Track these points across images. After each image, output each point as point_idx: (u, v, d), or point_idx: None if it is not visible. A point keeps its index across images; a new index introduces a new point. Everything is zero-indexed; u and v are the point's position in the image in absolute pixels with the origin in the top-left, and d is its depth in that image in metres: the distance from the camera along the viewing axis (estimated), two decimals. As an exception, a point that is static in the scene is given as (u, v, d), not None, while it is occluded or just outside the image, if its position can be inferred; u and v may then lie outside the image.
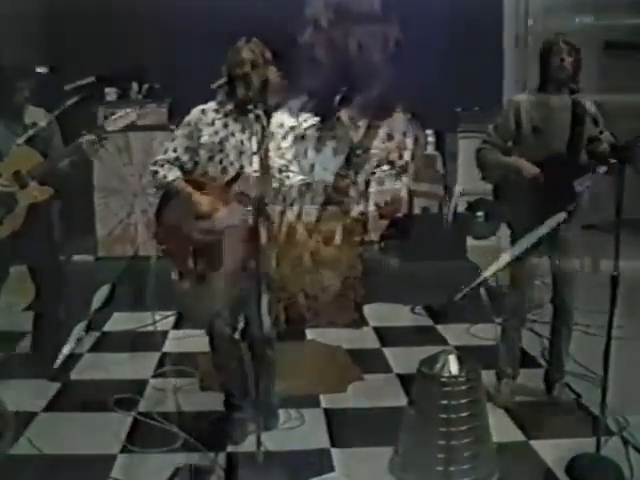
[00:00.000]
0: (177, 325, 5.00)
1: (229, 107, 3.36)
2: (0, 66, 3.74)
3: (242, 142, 3.33)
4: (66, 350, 3.40)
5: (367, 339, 4.80)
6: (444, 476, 2.93)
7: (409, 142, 2.96)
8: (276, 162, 3.26)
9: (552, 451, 3.21)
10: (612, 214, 2.86)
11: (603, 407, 2.97)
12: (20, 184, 3.72)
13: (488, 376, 3.58)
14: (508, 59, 6.52)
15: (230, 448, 3.27)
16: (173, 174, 3.38)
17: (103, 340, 4.73)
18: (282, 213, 2.24)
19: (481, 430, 3.02)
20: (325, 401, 3.80)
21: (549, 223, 2.72)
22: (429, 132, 6.38)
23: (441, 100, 5.95)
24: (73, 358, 3.98)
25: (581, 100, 3.43)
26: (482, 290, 5.07)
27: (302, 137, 2.34)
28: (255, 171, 2.92)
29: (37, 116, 3.85)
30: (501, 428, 3.34)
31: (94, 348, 4.57)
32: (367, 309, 5.19)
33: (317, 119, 5.58)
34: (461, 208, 5.80)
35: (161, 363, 4.25)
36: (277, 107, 3.33)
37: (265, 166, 2.92)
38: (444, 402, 2.95)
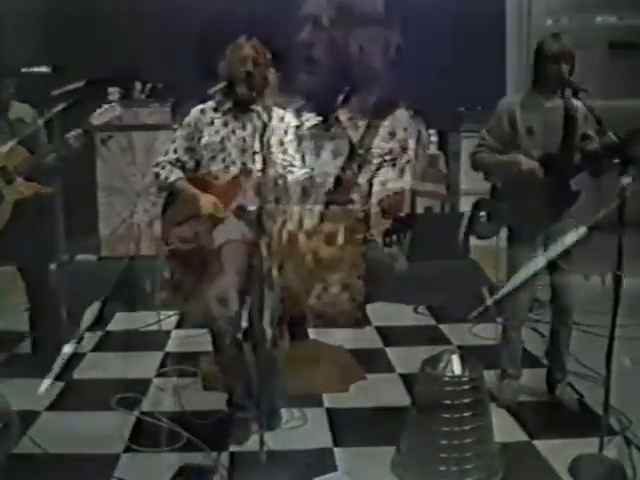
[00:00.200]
0: (180, 325, 5.00)
1: (228, 106, 3.36)
2: None
3: (244, 140, 3.33)
4: (54, 372, 3.39)
5: (370, 339, 4.80)
6: (447, 476, 2.93)
7: (411, 139, 2.95)
8: (279, 158, 3.26)
9: (555, 451, 3.21)
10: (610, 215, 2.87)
11: (606, 407, 2.97)
12: (6, 180, 3.72)
13: (491, 376, 3.59)
14: (511, 58, 6.52)
15: (233, 448, 3.27)
16: (175, 175, 3.38)
17: (106, 339, 4.73)
18: (283, 224, 2.22)
19: (484, 430, 3.02)
20: (328, 401, 3.80)
21: (569, 238, 2.68)
22: (432, 132, 6.39)
23: (444, 100, 5.95)
24: (77, 357, 3.98)
25: (571, 99, 3.44)
26: (484, 289, 5.07)
27: (299, 143, 2.34)
28: (258, 169, 2.92)
29: (22, 112, 3.85)
30: (504, 428, 3.34)
31: (97, 347, 4.57)
32: (370, 309, 5.19)
33: (319, 118, 5.59)
34: (463, 208, 5.81)
35: (164, 363, 4.26)
36: (276, 103, 3.32)
37: (268, 163, 2.92)
38: (447, 402, 2.95)
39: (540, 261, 2.85)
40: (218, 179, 3.31)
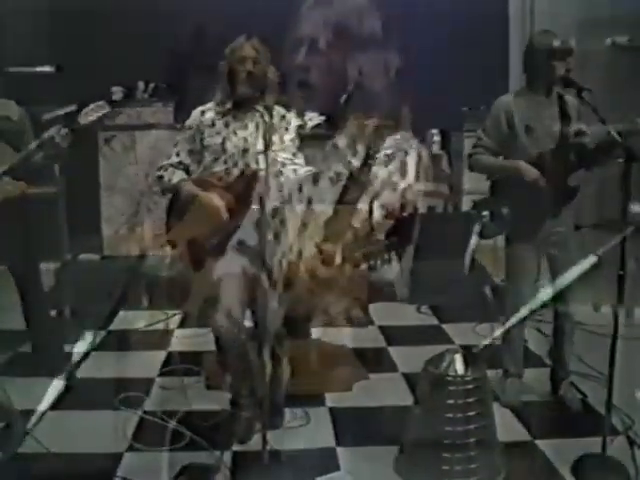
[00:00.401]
0: (183, 324, 5.00)
1: (228, 106, 3.36)
2: None
3: (245, 140, 3.33)
4: (42, 407, 3.37)
5: (373, 338, 4.80)
6: (450, 475, 2.93)
7: (412, 162, 2.93)
8: (280, 156, 3.26)
9: (558, 451, 3.21)
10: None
11: (609, 407, 2.97)
12: None
13: (494, 375, 3.58)
14: (514, 58, 6.50)
15: (236, 447, 3.28)
16: (178, 176, 3.39)
17: (109, 339, 4.74)
18: (283, 255, 2.22)
19: (487, 429, 3.02)
20: (330, 400, 3.81)
21: (580, 267, 2.65)
22: (435, 131, 6.39)
23: (447, 99, 5.95)
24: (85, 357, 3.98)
25: (564, 94, 3.44)
26: (487, 289, 5.07)
27: (300, 141, 2.32)
28: (261, 169, 2.92)
29: (7, 109, 3.82)
30: (507, 427, 3.34)
31: (100, 347, 4.57)
32: (372, 308, 5.19)
33: (323, 118, 5.58)
34: (466, 207, 5.81)
35: (167, 362, 4.26)
36: (277, 102, 3.31)
37: (271, 162, 2.92)
38: (450, 401, 2.95)
39: (548, 292, 2.84)
40: (222, 180, 3.31)
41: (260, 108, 3.00)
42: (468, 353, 3.01)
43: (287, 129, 3.39)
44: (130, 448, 3.28)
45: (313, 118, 5.33)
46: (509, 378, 3.76)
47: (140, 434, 3.41)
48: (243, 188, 3.23)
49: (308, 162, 3.31)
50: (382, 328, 4.95)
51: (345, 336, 4.73)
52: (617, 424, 3.32)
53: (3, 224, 3.74)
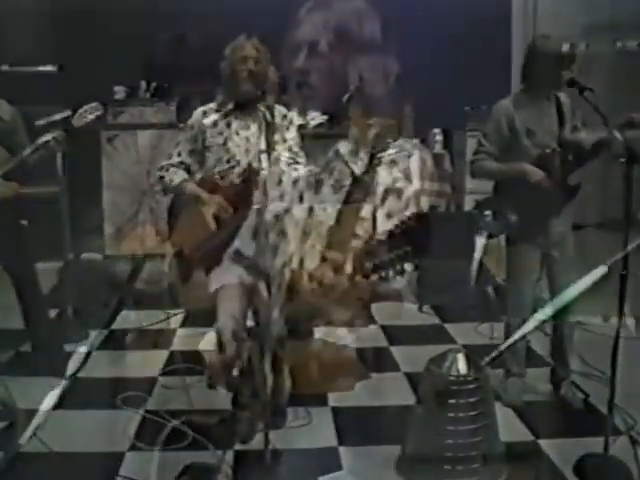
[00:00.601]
0: (185, 323, 5.01)
1: (230, 106, 3.36)
2: None
3: (247, 139, 3.33)
4: (32, 426, 3.36)
5: (375, 338, 4.80)
6: (452, 475, 2.92)
7: (415, 167, 2.90)
8: (282, 155, 3.26)
9: (560, 450, 3.21)
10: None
11: (611, 406, 2.96)
12: None
13: (496, 375, 3.58)
14: (516, 58, 6.50)
15: (238, 446, 3.28)
16: (179, 176, 3.39)
17: (111, 338, 4.74)
18: (281, 272, 2.20)
19: (489, 429, 3.02)
20: (333, 400, 3.81)
21: (589, 279, 2.63)
22: (437, 130, 6.39)
23: (449, 98, 5.95)
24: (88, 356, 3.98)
25: (559, 95, 3.44)
26: (489, 288, 5.07)
27: (295, 182, 2.32)
28: (264, 168, 2.92)
29: (0, 109, 3.81)
30: (509, 427, 3.34)
31: (102, 346, 4.58)
32: (375, 308, 5.19)
33: (325, 117, 5.59)
34: (468, 206, 5.80)
35: (169, 361, 4.27)
36: (277, 101, 3.31)
37: (274, 161, 2.92)
38: (452, 401, 2.95)
39: (557, 304, 2.82)
40: (224, 180, 3.31)
41: (262, 108, 2.99)
42: (474, 365, 3.00)
43: (289, 128, 3.39)
44: (132, 447, 3.28)
45: (315, 117, 5.34)
46: (511, 378, 3.76)
47: (142, 433, 3.41)
48: (245, 188, 3.23)
49: (310, 161, 3.32)
50: (384, 328, 4.95)
51: (347, 336, 4.73)
52: (619, 424, 3.32)
53: None
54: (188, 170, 3.42)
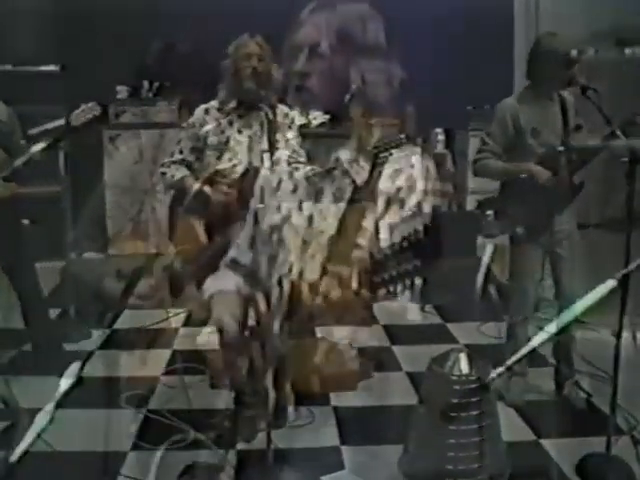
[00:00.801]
0: (187, 322, 5.01)
1: (232, 105, 3.36)
2: None
3: (250, 138, 3.33)
4: (24, 443, 3.34)
5: (377, 337, 4.80)
6: (453, 475, 2.92)
7: (419, 176, 2.89)
8: (284, 154, 3.26)
9: (562, 450, 3.21)
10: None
11: (613, 406, 2.96)
12: None
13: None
14: (518, 57, 6.50)
15: (240, 446, 3.28)
16: (181, 172, 3.39)
17: (113, 337, 4.75)
18: (279, 282, 2.17)
19: (491, 429, 3.01)
20: (335, 399, 3.81)
21: (598, 292, 2.61)
22: (439, 130, 6.39)
23: (451, 98, 5.95)
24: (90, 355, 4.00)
25: (563, 93, 3.44)
26: (492, 288, 5.06)
27: (294, 190, 2.31)
28: (266, 167, 2.92)
29: None
30: (511, 427, 3.33)
31: (105, 345, 4.58)
32: (377, 307, 5.17)
33: (327, 117, 5.57)
34: (470, 206, 5.80)
35: (172, 360, 4.27)
36: (280, 100, 3.31)
37: (275, 160, 2.92)
38: (454, 400, 2.95)
39: (566, 317, 2.81)
40: (226, 178, 3.31)
41: (264, 106, 3.00)
42: (479, 383, 2.99)
43: (290, 127, 3.39)
44: (134, 447, 3.29)
45: (317, 117, 5.33)
46: (513, 377, 3.75)
47: (144, 433, 3.41)
48: (247, 186, 3.23)
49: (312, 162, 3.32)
50: (386, 327, 4.95)
51: (349, 335, 4.73)
52: (622, 424, 3.32)
53: None
54: (190, 167, 3.43)
